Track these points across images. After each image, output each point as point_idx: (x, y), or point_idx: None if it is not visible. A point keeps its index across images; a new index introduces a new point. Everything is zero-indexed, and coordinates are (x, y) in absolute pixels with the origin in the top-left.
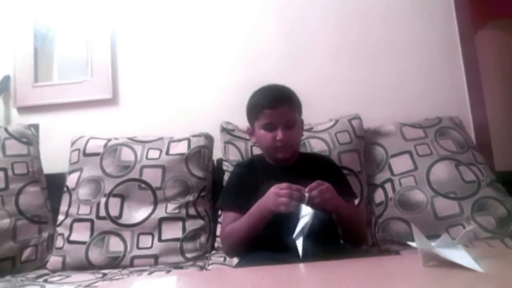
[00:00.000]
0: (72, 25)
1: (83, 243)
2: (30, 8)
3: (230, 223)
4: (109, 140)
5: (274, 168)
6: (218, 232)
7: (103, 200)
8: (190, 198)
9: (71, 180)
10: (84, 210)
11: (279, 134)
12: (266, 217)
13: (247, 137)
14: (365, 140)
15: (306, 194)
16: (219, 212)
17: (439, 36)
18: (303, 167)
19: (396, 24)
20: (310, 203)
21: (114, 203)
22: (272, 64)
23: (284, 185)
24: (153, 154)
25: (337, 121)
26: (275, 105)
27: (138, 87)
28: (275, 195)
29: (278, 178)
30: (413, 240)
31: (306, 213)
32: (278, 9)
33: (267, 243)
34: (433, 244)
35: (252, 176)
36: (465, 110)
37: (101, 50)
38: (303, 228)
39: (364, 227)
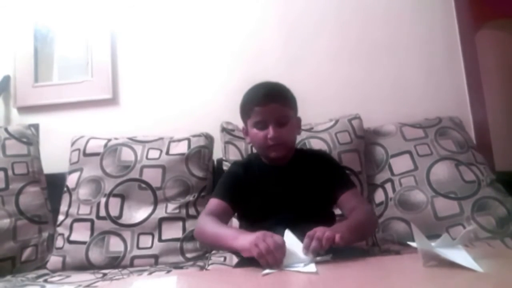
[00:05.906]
0: (72, 25)
1: (83, 243)
2: (30, 8)
3: (211, 208)
4: (109, 140)
5: (270, 168)
6: None
7: (103, 200)
8: (190, 198)
9: (71, 180)
10: (84, 210)
11: (270, 132)
12: (231, 248)
13: None
14: (365, 140)
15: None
16: None
17: (439, 36)
18: (299, 166)
19: (396, 24)
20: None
21: (114, 203)
22: (272, 64)
23: (270, 240)
24: (153, 154)
25: (337, 121)
26: (264, 102)
27: (138, 87)
28: (257, 238)
29: (274, 177)
30: (413, 240)
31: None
32: (278, 9)
33: None
34: (433, 244)
35: (248, 175)
36: (465, 110)
37: (101, 50)
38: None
39: (370, 225)
